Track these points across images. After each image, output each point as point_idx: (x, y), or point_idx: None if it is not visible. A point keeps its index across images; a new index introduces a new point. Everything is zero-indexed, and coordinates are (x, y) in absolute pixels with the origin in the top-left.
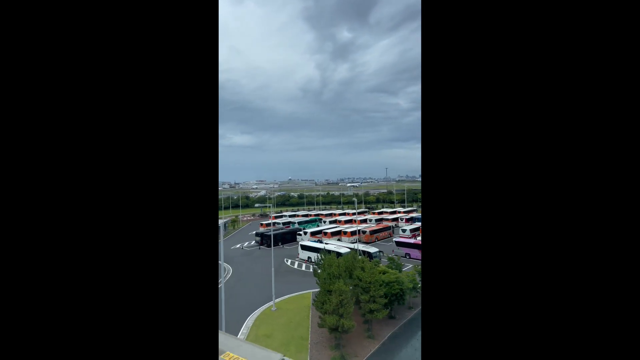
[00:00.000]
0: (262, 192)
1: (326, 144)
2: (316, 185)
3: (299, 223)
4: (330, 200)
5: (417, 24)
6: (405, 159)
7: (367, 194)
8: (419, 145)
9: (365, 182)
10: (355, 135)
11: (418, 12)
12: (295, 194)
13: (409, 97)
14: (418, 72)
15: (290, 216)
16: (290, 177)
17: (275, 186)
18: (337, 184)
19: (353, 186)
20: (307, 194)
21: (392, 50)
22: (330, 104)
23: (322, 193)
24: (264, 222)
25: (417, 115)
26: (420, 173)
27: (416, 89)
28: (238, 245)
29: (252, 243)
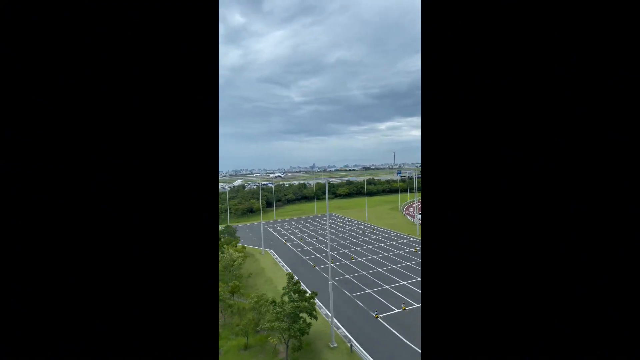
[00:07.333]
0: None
1: None
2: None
3: None
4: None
5: (310, 20)
6: (296, 151)
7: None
8: (309, 138)
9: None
10: (246, 125)
11: (311, 7)
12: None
13: (300, 91)
14: (310, 66)
15: None
16: None
17: None
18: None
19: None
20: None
21: (285, 43)
22: (220, 90)
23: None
24: None
25: (308, 108)
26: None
27: (307, 83)
28: None
29: None
